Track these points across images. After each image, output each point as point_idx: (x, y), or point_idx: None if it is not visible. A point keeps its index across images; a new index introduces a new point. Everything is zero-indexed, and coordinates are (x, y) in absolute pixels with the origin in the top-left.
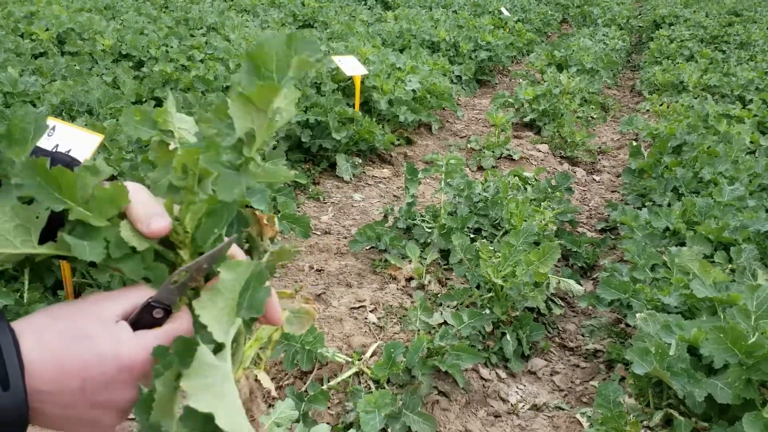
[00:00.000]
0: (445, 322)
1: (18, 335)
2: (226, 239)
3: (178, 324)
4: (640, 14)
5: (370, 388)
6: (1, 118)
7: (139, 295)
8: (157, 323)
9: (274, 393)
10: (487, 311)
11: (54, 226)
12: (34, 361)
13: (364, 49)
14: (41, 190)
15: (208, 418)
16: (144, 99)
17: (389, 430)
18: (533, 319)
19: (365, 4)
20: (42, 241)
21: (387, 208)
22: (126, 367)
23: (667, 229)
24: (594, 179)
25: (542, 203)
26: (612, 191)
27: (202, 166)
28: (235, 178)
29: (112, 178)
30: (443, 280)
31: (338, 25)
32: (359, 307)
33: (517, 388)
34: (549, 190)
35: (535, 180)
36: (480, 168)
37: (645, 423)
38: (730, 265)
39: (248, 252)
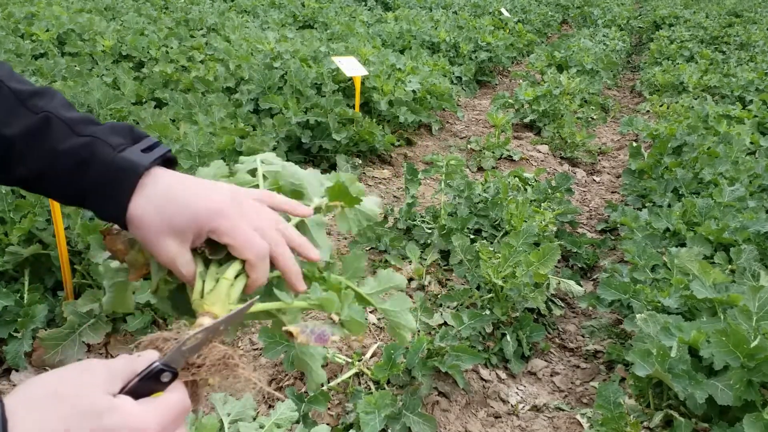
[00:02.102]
0: (445, 323)
1: (9, 414)
2: (247, 302)
3: (176, 395)
4: (640, 15)
5: (370, 389)
6: None
7: (136, 362)
8: (160, 388)
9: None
10: (487, 312)
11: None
12: None
13: (364, 49)
14: None
15: None
16: (144, 100)
17: (389, 430)
18: (533, 319)
19: (365, 5)
20: None
21: (387, 209)
22: None
23: (668, 229)
24: (594, 180)
25: (542, 204)
26: (612, 192)
27: None
28: None
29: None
30: (443, 280)
31: (338, 26)
32: None
33: (518, 388)
34: (549, 190)
35: (535, 181)
36: (480, 169)
37: (645, 424)
38: (730, 266)
39: None
